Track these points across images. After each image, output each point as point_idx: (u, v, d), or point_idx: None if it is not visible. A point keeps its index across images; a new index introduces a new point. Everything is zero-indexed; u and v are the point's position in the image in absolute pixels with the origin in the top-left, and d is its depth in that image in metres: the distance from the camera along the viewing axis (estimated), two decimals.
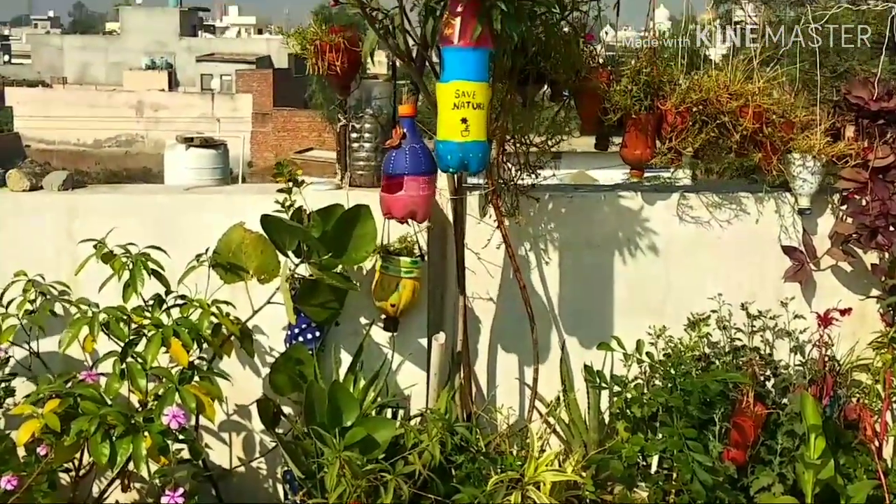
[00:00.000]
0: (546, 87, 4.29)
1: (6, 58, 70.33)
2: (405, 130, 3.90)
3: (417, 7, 3.80)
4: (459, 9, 3.51)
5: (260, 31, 71.42)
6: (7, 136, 47.90)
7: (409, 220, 4.03)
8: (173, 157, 17.11)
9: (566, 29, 4.16)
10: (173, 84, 53.16)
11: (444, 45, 3.59)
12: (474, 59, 3.54)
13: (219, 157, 17.05)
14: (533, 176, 4.41)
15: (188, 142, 17.01)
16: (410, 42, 3.97)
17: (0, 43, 75.93)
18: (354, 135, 4.45)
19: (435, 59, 3.96)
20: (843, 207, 4.45)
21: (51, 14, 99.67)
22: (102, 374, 3.84)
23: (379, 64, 4.67)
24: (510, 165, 4.40)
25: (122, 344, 3.79)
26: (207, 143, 17.27)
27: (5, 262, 4.21)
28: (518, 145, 4.37)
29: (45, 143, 48.05)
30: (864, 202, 4.34)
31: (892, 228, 4.28)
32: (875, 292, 4.52)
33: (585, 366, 4.35)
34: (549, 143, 4.40)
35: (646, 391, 4.22)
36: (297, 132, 42.19)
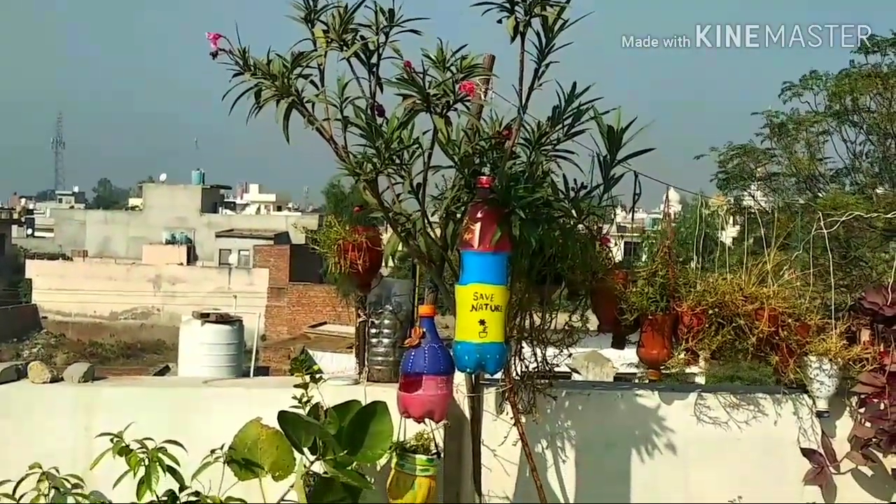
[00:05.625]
0: (563, 287, 4.35)
1: (29, 231, 71.78)
2: (424, 330, 3.94)
3: (438, 211, 3.91)
4: (479, 215, 3.62)
5: (279, 208, 73.02)
6: (25, 307, 48.41)
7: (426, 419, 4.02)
8: (189, 332, 17.23)
9: (582, 231, 4.25)
10: (192, 258, 53.99)
11: (463, 248, 3.68)
12: (493, 263, 3.63)
13: (234, 332, 17.16)
14: (549, 374, 4.42)
15: (204, 317, 17.15)
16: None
17: (25, 217, 77.66)
18: (373, 330, 4.50)
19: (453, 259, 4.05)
20: (862, 411, 4.43)
21: (76, 189, 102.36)
22: None
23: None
24: (527, 362, 4.42)
25: None
26: (223, 319, 17.40)
27: (22, 453, 4.20)
28: (535, 343, 4.40)
29: (62, 315, 48.48)
30: (882, 406, 4.33)
31: None
32: None
33: None
34: (566, 342, 4.42)
35: None
36: (311, 306, 42.53)
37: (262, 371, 23.60)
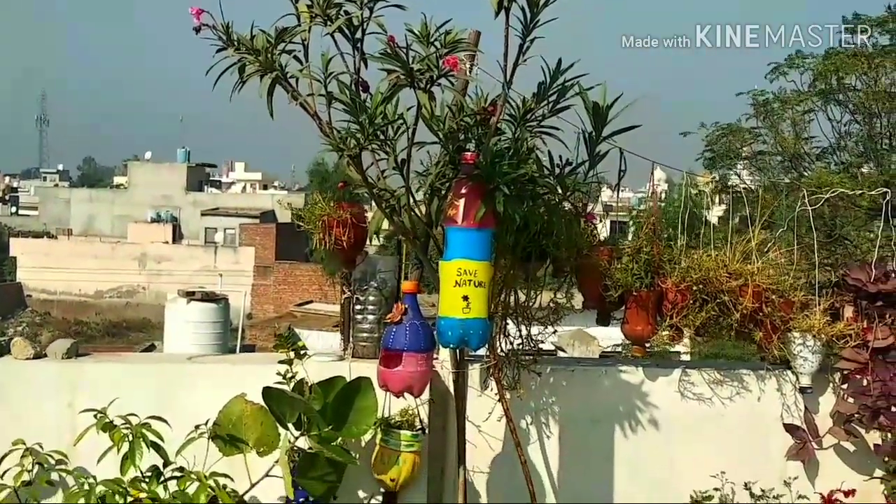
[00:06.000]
0: (548, 263, 4.35)
1: (13, 209, 71.34)
2: (406, 306, 3.94)
3: (423, 187, 3.90)
4: (463, 191, 3.61)
5: (265, 187, 72.74)
6: (9, 285, 48.21)
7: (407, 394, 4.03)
8: (174, 310, 17.17)
9: (568, 207, 4.25)
10: (177, 237, 53.81)
11: (447, 224, 3.67)
12: (477, 239, 3.62)
13: (220, 310, 17.10)
14: (534, 351, 4.43)
15: (189, 296, 17.09)
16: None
17: (9, 195, 77.18)
18: (358, 307, 4.50)
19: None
20: (844, 387, 4.46)
21: (60, 167, 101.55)
22: None
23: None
24: (511, 339, 4.43)
25: None
26: (209, 297, 17.34)
27: (6, 429, 4.19)
28: (519, 320, 4.40)
29: (47, 294, 48.32)
30: (864, 382, 4.35)
31: (893, 409, 4.29)
32: (879, 473, 4.48)
33: None
34: (551, 319, 4.42)
35: None
36: (297, 285, 42.53)
37: (248, 349, 23.60)
